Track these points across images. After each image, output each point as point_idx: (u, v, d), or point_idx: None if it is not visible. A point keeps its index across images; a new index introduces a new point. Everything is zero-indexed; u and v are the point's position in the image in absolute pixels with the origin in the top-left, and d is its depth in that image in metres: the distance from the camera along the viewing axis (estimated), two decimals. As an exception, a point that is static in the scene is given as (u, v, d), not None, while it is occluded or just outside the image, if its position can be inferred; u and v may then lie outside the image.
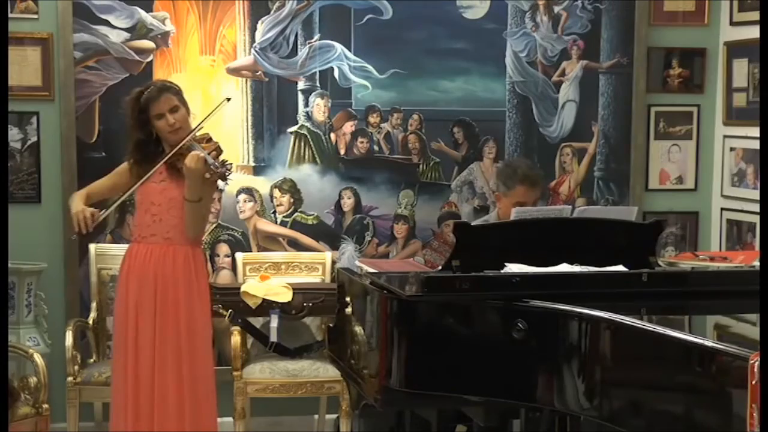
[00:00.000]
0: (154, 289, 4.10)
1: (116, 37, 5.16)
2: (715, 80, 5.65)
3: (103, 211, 4.18)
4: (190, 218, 4.10)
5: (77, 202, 4.16)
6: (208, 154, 4.03)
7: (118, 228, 5.21)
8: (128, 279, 4.16)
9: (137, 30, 5.18)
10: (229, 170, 4.09)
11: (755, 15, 5.24)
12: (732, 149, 5.55)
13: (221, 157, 4.09)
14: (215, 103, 5.23)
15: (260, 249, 5.33)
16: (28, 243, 5.08)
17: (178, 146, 4.07)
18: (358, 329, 3.81)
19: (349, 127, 5.42)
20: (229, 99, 4.26)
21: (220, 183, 4.12)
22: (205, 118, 4.24)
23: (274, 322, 4.86)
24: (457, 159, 5.52)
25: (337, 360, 4.22)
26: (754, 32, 5.14)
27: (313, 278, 5.22)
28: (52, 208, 5.16)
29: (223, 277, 5.31)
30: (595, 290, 3.52)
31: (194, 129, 4.14)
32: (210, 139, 4.18)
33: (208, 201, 4.20)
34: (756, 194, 5.27)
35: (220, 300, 4.85)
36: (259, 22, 5.29)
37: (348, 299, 4.06)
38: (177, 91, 4.17)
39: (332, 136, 5.40)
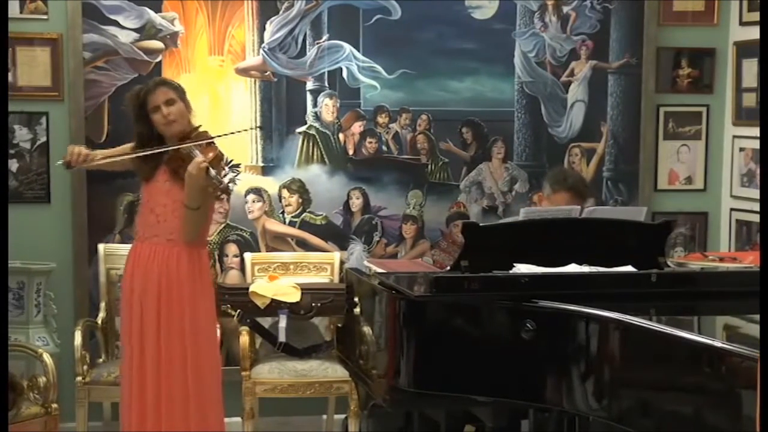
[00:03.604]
0: (158, 289, 4.09)
1: (125, 37, 5.17)
2: (724, 80, 5.64)
3: (99, 158, 4.16)
4: (188, 224, 4.08)
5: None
6: (209, 162, 3.94)
7: (127, 228, 5.21)
8: (133, 278, 4.16)
9: (146, 30, 5.19)
10: (237, 173, 4.05)
11: (765, 15, 5.24)
12: (741, 149, 5.54)
13: (226, 160, 4.04)
14: (224, 103, 5.27)
15: (269, 249, 5.34)
16: (38, 243, 5.09)
17: (176, 146, 4.03)
18: (367, 329, 3.81)
19: (357, 127, 5.42)
20: (261, 128, 4.17)
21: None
22: (216, 136, 4.14)
23: (283, 322, 4.86)
24: (465, 159, 5.52)
25: (346, 360, 4.23)
26: (763, 32, 5.13)
27: (321, 278, 5.22)
28: (62, 208, 5.17)
29: (232, 278, 5.32)
30: (604, 291, 3.52)
31: (202, 141, 4.06)
32: (211, 143, 4.08)
33: (207, 207, 4.14)
34: (766, 194, 5.26)
35: (228, 300, 4.86)
36: (268, 22, 5.29)
37: (356, 299, 4.07)
38: (176, 87, 4.18)
39: (341, 136, 5.40)
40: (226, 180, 3.96)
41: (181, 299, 4.10)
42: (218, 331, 4.85)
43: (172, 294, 4.10)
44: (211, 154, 3.99)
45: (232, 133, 4.40)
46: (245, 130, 4.47)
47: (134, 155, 4.12)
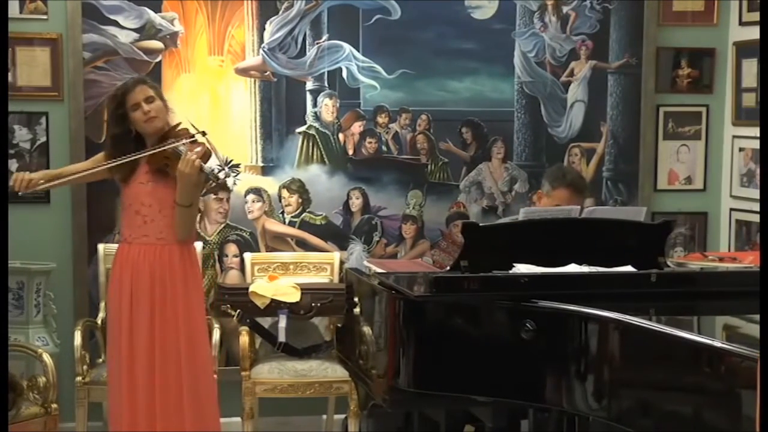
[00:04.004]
0: (151, 286, 4.08)
1: (125, 37, 5.17)
2: (724, 80, 5.64)
3: (43, 183, 4.15)
4: (181, 222, 4.09)
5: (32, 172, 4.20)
6: (200, 158, 3.96)
7: (127, 228, 5.21)
8: (121, 279, 4.13)
9: (146, 30, 5.19)
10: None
11: (765, 15, 5.23)
12: (741, 149, 5.54)
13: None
14: (223, 103, 5.27)
15: (269, 249, 5.34)
16: (37, 243, 5.09)
17: (162, 147, 4.03)
18: (367, 329, 3.81)
19: (357, 127, 5.42)
20: (204, 133, 4.14)
21: (228, 183, 4.08)
22: (180, 143, 4.06)
23: (283, 322, 4.86)
24: (465, 159, 5.52)
25: (346, 360, 4.22)
26: (763, 32, 5.13)
27: (321, 278, 5.22)
28: (61, 208, 5.17)
29: (232, 277, 5.32)
30: (604, 291, 3.52)
31: (180, 143, 4.04)
32: (194, 141, 4.08)
33: (198, 203, 4.19)
34: (766, 195, 5.25)
35: (228, 300, 4.86)
36: (268, 22, 5.29)
37: (356, 299, 4.07)
38: (153, 85, 4.22)
39: (341, 136, 5.40)
40: (222, 176, 3.96)
41: (174, 295, 4.09)
42: (218, 332, 4.88)
43: (165, 291, 4.08)
44: (199, 149, 4.00)
45: (203, 132, 4.27)
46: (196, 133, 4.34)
47: (110, 164, 4.10)
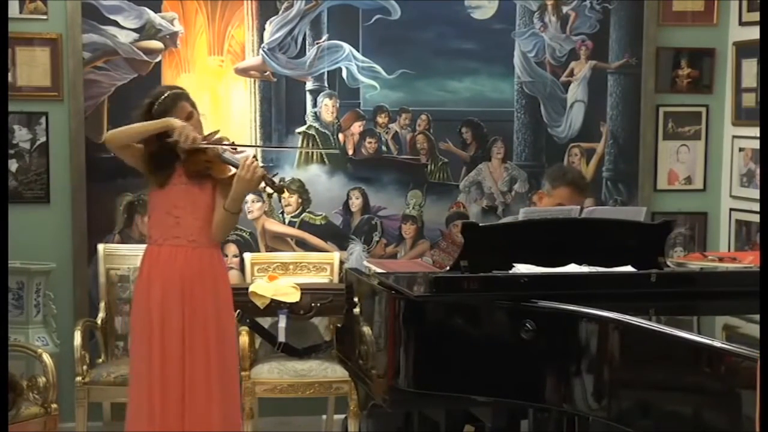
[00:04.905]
0: (181, 289, 4.03)
1: (125, 37, 5.17)
2: (724, 80, 5.64)
3: (216, 138, 4.05)
4: (224, 226, 4.09)
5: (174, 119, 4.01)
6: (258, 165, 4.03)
7: (127, 228, 5.22)
8: (150, 282, 4.07)
9: (146, 30, 5.19)
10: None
11: (764, 15, 5.23)
12: (741, 149, 5.54)
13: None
14: (223, 103, 5.27)
15: (268, 249, 5.34)
16: (37, 243, 5.09)
17: (206, 145, 4.02)
18: (366, 329, 3.81)
19: (357, 127, 5.42)
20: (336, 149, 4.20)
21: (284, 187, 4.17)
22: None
23: (282, 322, 4.86)
24: (465, 159, 5.52)
25: (345, 360, 4.22)
26: (763, 32, 5.13)
27: (321, 278, 5.22)
28: (61, 208, 5.17)
29: (232, 278, 5.29)
30: (604, 291, 3.52)
31: (224, 143, 4.08)
32: (235, 147, 4.11)
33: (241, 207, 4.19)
34: (766, 195, 5.25)
35: (228, 300, 4.86)
36: (268, 22, 5.29)
37: (356, 299, 4.06)
38: (187, 96, 4.12)
39: (340, 136, 5.40)
40: (277, 180, 4.05)
41: (204, 298, 4.06)
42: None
43: (195, 293, 4.05)
44: (248, 155, 4.06)
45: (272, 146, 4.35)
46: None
47: (236, 145, 4.09)
